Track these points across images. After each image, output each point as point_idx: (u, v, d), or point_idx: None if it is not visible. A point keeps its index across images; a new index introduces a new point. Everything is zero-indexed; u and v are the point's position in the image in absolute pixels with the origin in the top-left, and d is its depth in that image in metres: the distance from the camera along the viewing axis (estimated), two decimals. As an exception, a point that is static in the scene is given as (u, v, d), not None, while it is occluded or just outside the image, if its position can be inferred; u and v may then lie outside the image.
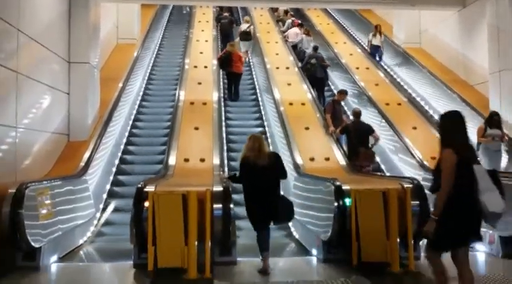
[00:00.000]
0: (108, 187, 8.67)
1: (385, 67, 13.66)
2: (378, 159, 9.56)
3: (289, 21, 15.95)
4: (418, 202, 5.41)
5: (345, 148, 8.71)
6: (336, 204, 5.28)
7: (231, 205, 5.20)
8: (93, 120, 9.25)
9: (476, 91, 11.96)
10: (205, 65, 12.65)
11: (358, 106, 9.95)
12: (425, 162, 8.34)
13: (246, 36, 14.18)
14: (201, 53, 13.60)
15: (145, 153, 9.95)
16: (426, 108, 11.66)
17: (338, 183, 5.40)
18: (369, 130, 8.62)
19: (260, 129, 10.97)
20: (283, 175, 5.51)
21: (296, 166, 7.65)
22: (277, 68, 12.58)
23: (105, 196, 8.38)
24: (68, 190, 6.46)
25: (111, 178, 8.96)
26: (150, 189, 5.23)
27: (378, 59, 13.88)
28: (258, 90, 12.89)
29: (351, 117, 9.62)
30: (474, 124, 10.26)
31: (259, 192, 5.25)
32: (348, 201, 5.26)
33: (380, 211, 5.23)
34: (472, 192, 3.65)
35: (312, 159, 8.20)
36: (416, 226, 5.30)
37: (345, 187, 5.37)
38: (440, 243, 3.77)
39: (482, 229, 6.07)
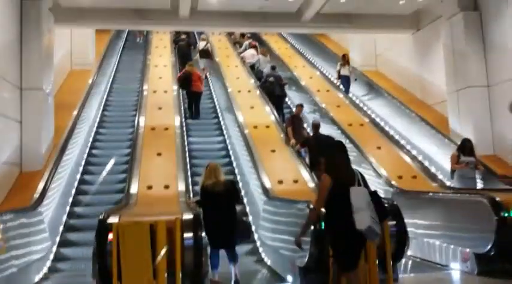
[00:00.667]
0: (64, 219, 8.11)
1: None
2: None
3: (246, 43, 16.22)
4: (394, 222, 5.28)
5: (307, 160, 9.04)
6: (312, 227, 5.07)
7: (203, 234, 4.88)
8: (48, 149, 8.74)
9: (433, 110, 12.23)
10: (165, 89, 12.36)
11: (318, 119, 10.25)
12: (392, 182, 8.33)
13: (205, 54, 14.74)
14: (160, 77, 13.32)
15: (104, 183, 9.42)
16: (387, 128, 11.78)
17: (312, 206, 5.20)
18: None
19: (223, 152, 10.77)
20: (238, 201, 6.11)
21: (265, 190, 7.43)
22: (239, 91, 12.45)
23: (61, 228, 7.83)
24: (21, 223, 5.94)
25: (68, 209, 8.41)
26: (113, 220, 4.85)
27: (345, 88, 13.20)
28: (219, 113, 12.70)
29: (309, 130, 10.23)
30: (434, 143, 10.48)
31: (216, 217, 5.72)
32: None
33: (357, 233, 5.04)
34: (346, 211, 3.98)
35: (280, 182, 8.00)
36: (395, 246, 5.17)
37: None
38: (346, 264, 4.14)
39: (456, 247, 6.14)
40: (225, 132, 11.67)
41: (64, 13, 10.50)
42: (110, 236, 4.66)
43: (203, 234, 4.90)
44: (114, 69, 14.97)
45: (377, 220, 3.99)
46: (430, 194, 7.46)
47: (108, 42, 15.45)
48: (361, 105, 12.66)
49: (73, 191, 8.92)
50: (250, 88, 12.90)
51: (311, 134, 9.84)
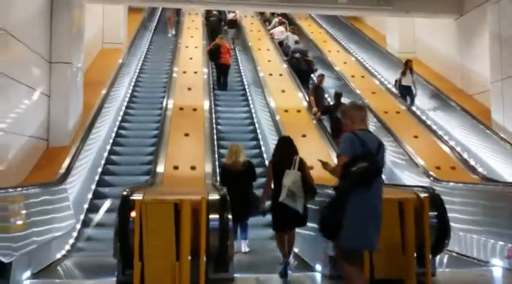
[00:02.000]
0: (89, 196, 7.99)
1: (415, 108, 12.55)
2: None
3: (275, 20, 16.38)
4: (436, 213, 4.89)
5: (329, 129, 9.67)
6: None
7: (229, 216, 4.61)
8: (75, 125, 8.63)
9: (474, 100, 11.62)
10: (195, 70, 12.12)
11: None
12: (430, 172, 7.88)
13: (232, 23, 16.10)
14: (191, 58, 13.08)
15: (131, 163, 9.23)
16: (424, 118, 11.24)
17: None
18: None
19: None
20: (253, 179, 6.71)
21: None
22: (270, 74, 12.11)
23: (86, 206, 7.70)
24: (44, 199, 5.79)
25: (93, 187, 8.28)
26: (137, 197, 4.61)
27: (409, 101, 11.31)
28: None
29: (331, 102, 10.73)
30: (475, 134, 9.91)
31: (235, 193, 5.89)
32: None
33: (396, 223, 4.70)
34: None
35: (311, 168, 7.64)
36: (434, 238, 4.79)
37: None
38: (273, 226, 5.45)
39: (497, 243, 5.69)
40: (254, 116, 11.36)
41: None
42: (133, 213, 4.44)
43: (229, 216, 4.62)
44: (146, 49, 14.81)
45: (300, 197, 4.94)
46: (470, 185, 6.99)
47: (140, 22, 15.27)
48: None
49: (99, 170, 8.78)
50: (282, 72, 12.53)
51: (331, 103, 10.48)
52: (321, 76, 11.05)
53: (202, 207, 4.47)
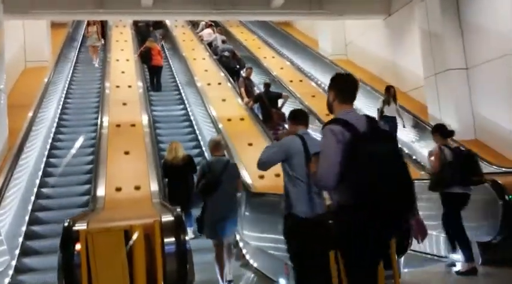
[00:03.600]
0: (24, 228, 7.26)
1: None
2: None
3: (202, 23, 16.67)
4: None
5: (260, 115, 10.20)
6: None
7: (186, 238, 4.25)
8: (1, 153, 7.86)
9: (409, 97, 11.94)
10: (129, 84, 11.56)
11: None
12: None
13: (159, 24, 16.46)
14: (123, 72, 12.48)
15: (67, 184, 8.61)
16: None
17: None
18: (277, 95, 10.34)
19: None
20: (194, 171, 7.14)
21: (246, 186, 6.83)
22: (209, 84, 11.80)
23: (21, 239, 6.98)
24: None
25: (27, 218, 7.54)
26: (81, 226, 4.14)
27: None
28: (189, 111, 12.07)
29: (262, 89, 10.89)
30: (413, 131, 10.13)
31: (176, 185, 7.17)
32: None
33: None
34: None
35: (261, 177, 7.42)
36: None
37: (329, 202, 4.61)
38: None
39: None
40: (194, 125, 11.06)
41: (15, 2, 9.56)
42: (78, 246, 3.96)
43: (187, 237, 4.26)
44: (73, 65, 13.98)
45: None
46: (421, 181, 7.04)
47: (65, 37, 14.44)
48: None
49: (32, 197, 8.03)
50: (220, 80, 12.27)
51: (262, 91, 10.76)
52: (250, 69, 11.86)
53: (156, 230, 4.09)
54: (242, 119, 10.01)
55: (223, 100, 10.97)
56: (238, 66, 13.39)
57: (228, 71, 12.85)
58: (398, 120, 9.55)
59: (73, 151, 9.27)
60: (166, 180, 7.43)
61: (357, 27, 14.26)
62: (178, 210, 4.51)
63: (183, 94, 12.64)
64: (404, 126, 9.68)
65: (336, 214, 2.76)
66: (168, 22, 17.45)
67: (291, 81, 12.58)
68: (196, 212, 6.37)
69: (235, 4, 10.89)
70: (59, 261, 4.01)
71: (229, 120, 9.84)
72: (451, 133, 5.59)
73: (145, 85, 11.92)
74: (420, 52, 10.66)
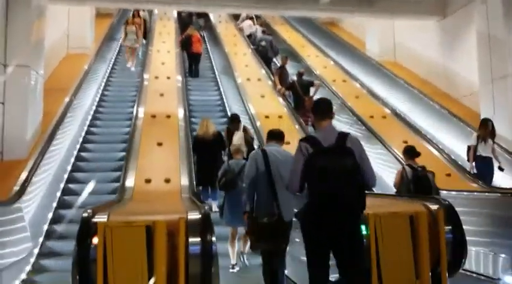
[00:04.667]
0: (50, 216, 7.06)
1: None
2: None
3: (243, 15, 16.45)
4: (450, 227, 4.25)
5: (292, 103, 10.43)
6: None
7: (213, 238, 3.85)
8: (34, 136, 7.74)
9: (461, 104, 11.21)
10: (168, 75, 11.33)
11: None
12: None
13: (201, 14, 16.21)
14: (163, 63, 12.28)
15: (96, 179, 8.06)
16: (412, 122, 10.67)
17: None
18: (310, 83, 10.59)
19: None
20: (223, 148, 7.56)
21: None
22: (248, 79, 11.44)
23: (45, 227, 6.78)
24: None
25: (54, 206, 7.31)
26: (100, 218, 3.81)
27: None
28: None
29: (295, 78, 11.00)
30: (465, 140, 9.38)
31: (205, 159, 7.35)
32: (364, 229, 4.03)
33: (407, 242, 4.02)
34: None
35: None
36: (449, 258, 4.14)
37: (359, 210, 4.14)
38: None
39: (508, 257, 5.10)
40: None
41: (59, -12, 9.50)
42: (95, 240, 3.64)
43: (213, 238, 3.86)
44: (115, 56, 13.91)
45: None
46: (475, 194, 6.42)
47: (109, 27, 14.41)
48: (381, 96, 11.49)
49: (61, 185, 7.85)
50: (260, 76, 11.89)
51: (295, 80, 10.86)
52: (285, 58, 11.87)
53: (181, 228, 3.70)
54: (280, 117, 9.58)
55: (262, 96, 10.58)
56: (275, 56, 13.60)
57: (265, 61, 12.98)
58: (494, 161, 7.72)
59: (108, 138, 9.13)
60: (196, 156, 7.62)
61: (406, 28, 13.58)
62: (207, 207, 4.11)
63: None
64: (501, 169, 7.66)
65: (302, 212, 3.51)
66: (211, 17, 17.25)
67: (334, 81, 12.05)
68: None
69: (281, -2, 10.50)
70: (73, 255, 3.68)
71: (267, 117, 9.43)
72: (417, 154, 6.27)
73: (184, 78, 11.64)
74: (476, 57, 9.93)
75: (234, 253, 5.95)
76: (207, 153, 7.35)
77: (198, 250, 3.77)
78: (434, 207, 4.31)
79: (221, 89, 12.28)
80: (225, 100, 11.65)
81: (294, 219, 4.24)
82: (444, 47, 11.94)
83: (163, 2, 10.52)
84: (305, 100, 10.12)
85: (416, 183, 5.90)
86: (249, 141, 7.55)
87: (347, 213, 3.32)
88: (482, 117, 9.72)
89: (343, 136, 3.42)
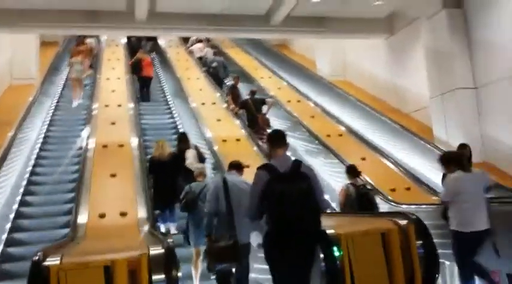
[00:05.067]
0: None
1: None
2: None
3: (192, 38, 16.49)
4: (421, 242, 4.17)
5: (245, 121, 10.51)
6: (321, 255, 3.87)
7: (179, 274, 3.58)
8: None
9: (412, 119, 11.46)
10: (119, 103, 10.94)
11: None
12: (387, 195, 7.29)
13: (151, 38, 16.36)
14: (113, 91, 11.88)
15: (45, 215, 7.60)
16: (368, 139, 10.78)
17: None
18: (262, 101, 10.73)
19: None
20: (180, 169, 7.40)
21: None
22: (203, 103, 11.25)
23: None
24: None
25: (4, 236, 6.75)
26: (53, 261, 3.47)
27: None
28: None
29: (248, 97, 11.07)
30: (419, 154, 9.52)
31: (162, 181, 7.23)
32: (336, 250, 3.88)
33: (380, 260, 3.91)
34: None
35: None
36: (424, 274, 4.05)
37: (330, 231, 3.99)
38: None
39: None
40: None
41: (3, 14, 9.01)
42: (48, 286, 3.29)
43: (179, 274, 3.59)
44: (61, 85, 13.31)
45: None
46: (436, 206, 6.42)
47: (55, 55, 13.89)
48: (335, 115, 11.56)
49: (8, 225, 7.26)
50: (215, 100, 11.74)
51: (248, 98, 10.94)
52: (237, 77, 12.17)
53: (143, 266, 3.42)
54: (238, 140, 9.42)
55: (218, 120, 10.41)
56: (226, 77, 13.78)
57: (217, 82, 13.16)
58: None
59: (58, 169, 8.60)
60: (152, 176, 7.54)
61: (356, 47, 13.89)
62: (170, 240, 3.84)
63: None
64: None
65: (264, 241, 3.60)
66: (162, 42, 17.07)
67: (289, 101, 12.04)
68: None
69: (232, 20, 10.45)
70: (24, 304, 3.31)
71: (224, 140, 9.24)
72: (358, 173, 6.54)
73: (136, 105, 11.29)
74: (425, 72, 10.21)
75: (198, 274, 5.79)
76: (164, 175, 7.24)
77: (163, 288, 3.49)
78: (403, 222, 4.22)
79: (173, 112, 12.08)
80: (177, 122, 11.47)
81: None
82: (392, 64, 12.25)
83: (111, 26, 10.19)
84: (258, 117, 10.30)
85: (360, 199, 6.13)
86: (201, 158, 7.83)
87: (305, 235, 3.49)
88: (434, 130, 9.99)
89: (298, 163, 3.68)
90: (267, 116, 10.54)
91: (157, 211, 7.10)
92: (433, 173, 8.73)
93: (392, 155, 9.58)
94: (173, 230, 7.10)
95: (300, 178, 3.54)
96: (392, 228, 3.99)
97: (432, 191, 7.54)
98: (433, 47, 9.74)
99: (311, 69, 14.77)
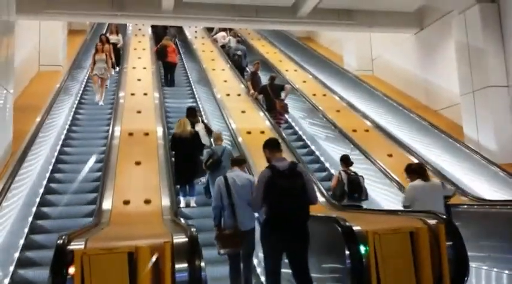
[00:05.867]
0: (21, 242, 6.58)
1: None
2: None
3: (216, 27, 16.71)
4: (451, 243, 4.04)
5: (264, 105, 10.74)
6: (347, 252, 3.79)
7: (202, 264, 3.54)
8: (4, 156, 7.28)
9: (441, 116, 11.19)
10: (145, 92, 10.98)
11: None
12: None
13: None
14: (139, 80, 11.93)
15: (71, 203, 7.65)
16: (394, 135, 10.56)
17: (347, 224, 3.92)
18: (281, 87, 10.81)
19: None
20: (201, 146, 7.83)
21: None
22: (228, 94, 11.20)
23: (17, 255, 6.27)
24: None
25: (23, 238, 6.77)
26: (77, 245, 3.47)
27: None
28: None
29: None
30: (448, 152, 9.29)
31: (183, 158, 7.63)
32: (363, 248, 3.79)
33: (408, 259, 3.80)
34: None
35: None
36: (451, 276, 3.93)
37: (357, 228, 3.90)
38: None
39: (502, 272, 4.93)
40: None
41: (29, 1, 9.10)
42: (72, 269, 3.29)
43: (202, 264, 3.55)
44: (88, 72, 13.46)
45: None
46: (465, 206, 6.26)
47: (82, 43, 14.02)
48: (362, 110, 11.37)
49: (33, 209, 7.37)
50: (240, 92, 11.68)
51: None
52: (257, 64, 12.22)
53: (166, 254, 3.39)
54: (262, 132, 9.34)
55: (243, 112, 10.35)
56: (247, 65, 14.09)
57: (239, 70, 13.49)
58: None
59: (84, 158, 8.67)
60: (174, 152, 7.94)
61: (384, 42, 13.62)
62: (193, 229, 3.80)
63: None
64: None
65: (264, 224, 4.45)
66: (187, 33, 17.09)
67: (314, 95, 11.90)
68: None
69: (259, 11, 10.35)
70: (48, 287, 3.32)
71: (249, 132, 9.18)
72: (351, 163, 7.43)
73: (161, 94, 11.32)
74: (455, 68, 9.93)
75: None
76: (184, 151, 7.61)
77: (186, 276, 3.47)
78: (433, 221, 4.11)
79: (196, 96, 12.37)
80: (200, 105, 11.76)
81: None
82: (422, 59, 11.97)
83: (138, 15, 10.21)
84: (275, 102, 10.47)
85: (350, 185, 7.06)
86: (209, 131, 8.55)
87: (299, 223, 4.27)
88: (464, 129, 9.72)
89: (294, 164, 4.47)
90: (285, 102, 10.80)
91: (178, 186, 7.66)
92: (462, 173, 8.54)
93: (419, 152, 9.37)
94: (192, 204, 7.60)
95: (296, 176, 4.29)
96: (421, 227, 3.88)
97: (461, 191, 7.33)
98: (464, 42, 9.46)
99: (337, 63, 14.56)
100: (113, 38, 13.90)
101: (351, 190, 7.02)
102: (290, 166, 4.37)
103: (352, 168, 8.43)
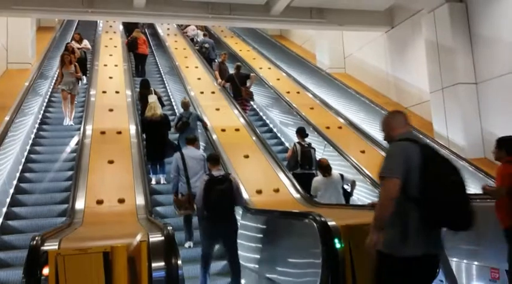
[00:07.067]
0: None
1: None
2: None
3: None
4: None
5: (231, 93, 11.39)
6: (322, 247, 3.84)
7: (179, 262, 3.53)
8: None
9: (412, 113, 11.40)
10: (117, 90, 10.83)
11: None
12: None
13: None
14: (111, 77, 11.75)
15: (42, 203, 7.47)
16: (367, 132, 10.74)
17: (322, 219, 3.98)
18: (246, 76, 11.39)
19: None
20: (169, 128, 8.51)
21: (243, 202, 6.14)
22: (202, 92, 11.16)
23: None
24: None
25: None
26: (51, 246, 3.42)
27: None
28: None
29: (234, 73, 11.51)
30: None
31: (154, 139, 8.26)
32: (338, 242, 3.86)
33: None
34: None
35: (259, 192, 6.75)
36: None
37: (331, 223, 3.96)
38: None
39: (482, 265, 5.08)
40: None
41: (-4, -2, 8.87)
42: (46, 270, 3.24)
43: (179, 262, 3.55)
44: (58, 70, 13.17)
45: None
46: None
47: (52, 40, 13.71)
48: (335, 107, 11.51)
49: (4, 210, 7.18)
50: (214, 89, 11.65)
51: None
52: (224, 54, 13.09)
53: (142, 253, 3.38)
54: (237, 130, 9.35)
55: (217, 109, 10.33)
56: (215, 57, 14.64)
57: (208, 61, 14.11)
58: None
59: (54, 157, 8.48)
60: (144, 135, 8.53)
61: (355, 40, 13.81)
62: (170, 228, 3.79)
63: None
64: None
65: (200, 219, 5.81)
66: (159, 30, 16.95)
67: (288, 92, 11.98)
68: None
69: (232, 9, 10.34)
70: (21, 289, 3.26)
71: (223, 130, 9.18)
72: (306, 135, 8.34)
73: (134, 93, 11.18)
74: (425, 66, 10.16)
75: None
76: (155, 133, 8.23)
77: (163, 275, 3.45)
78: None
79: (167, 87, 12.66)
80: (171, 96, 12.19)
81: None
82: (392, 57, 12.19)
83: (108, 12, 10.06)
84: (242, 90, 11.00)
85: (303, 155, 7.88)
86: (161, 102, 9.39)
87: (227, 216, 5.46)
88: (434, 125, 9.96)
89: (227, 173, 5.89)
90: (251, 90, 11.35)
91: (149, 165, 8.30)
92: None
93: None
94: (163, 181, 8.27)
95: (227, 181, 5.49)
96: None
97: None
98: (434, 41, 9.68)
99: (310, 61, 14.69)
100: (79, 46, 12.75)
101: (303, 161, 7.88)
102: (223, 175, 5.65)
103: (308, 139, 8.66)
